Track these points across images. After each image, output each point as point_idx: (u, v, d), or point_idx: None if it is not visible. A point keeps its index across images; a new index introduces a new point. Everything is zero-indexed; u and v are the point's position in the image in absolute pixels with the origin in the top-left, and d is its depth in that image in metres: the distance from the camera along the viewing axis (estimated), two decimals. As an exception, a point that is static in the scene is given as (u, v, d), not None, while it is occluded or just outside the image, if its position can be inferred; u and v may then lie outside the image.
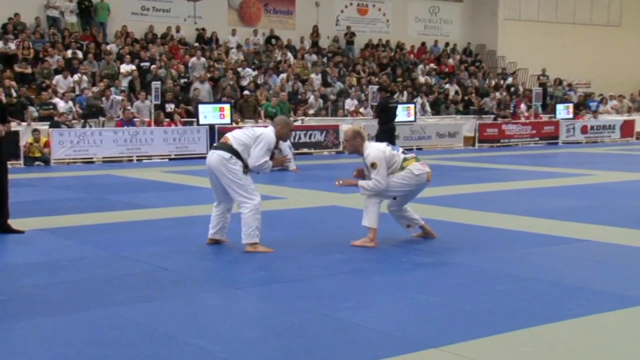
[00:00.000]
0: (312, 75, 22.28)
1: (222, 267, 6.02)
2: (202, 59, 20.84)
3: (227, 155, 6.38)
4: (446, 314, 4.53)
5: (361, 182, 6.61)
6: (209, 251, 6.56)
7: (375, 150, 6.57)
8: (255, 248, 6.39)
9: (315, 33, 24.87)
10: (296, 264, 6.02)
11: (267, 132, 6.51)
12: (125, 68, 19.37)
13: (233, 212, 6.79)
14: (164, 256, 6.28)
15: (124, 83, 19.02)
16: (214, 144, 6.83)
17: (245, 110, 19.03)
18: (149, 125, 17.47)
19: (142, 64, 19.53)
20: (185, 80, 19.99)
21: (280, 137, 6.60)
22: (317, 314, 4.54)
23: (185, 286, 5.29)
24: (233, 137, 6.49)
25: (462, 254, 6.37)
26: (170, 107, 18.18)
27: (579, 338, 4.14)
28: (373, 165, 6.52)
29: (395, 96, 22.44)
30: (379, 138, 14.56)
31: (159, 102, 17.73)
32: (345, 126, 19.62)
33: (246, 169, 6.43)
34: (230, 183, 6.42)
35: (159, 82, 17.88)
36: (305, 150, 18.33)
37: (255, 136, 6.45)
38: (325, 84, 22.22)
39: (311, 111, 20.34)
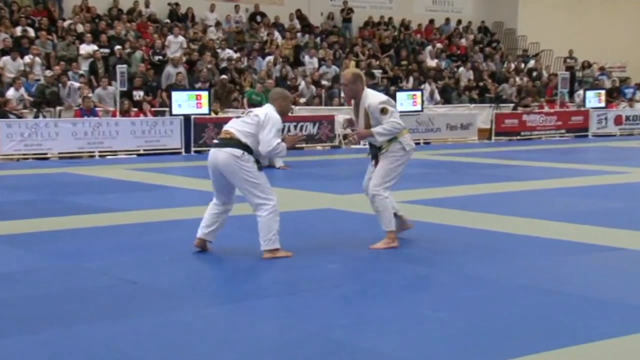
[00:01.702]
0: (305, 58, 22.30)
1: (200, 280, 6.04)
2: (180, 38, 20.85)
3: (238, 152, 6.37)
4: (459, 334, 4.56)
5: (376, 129, 6.73)
6: (185, 261, 6.57)
7: (377, 97, 6.83)
8: (275, 254, 6.48)
9: (300, 13, 24.88)
10: (284, 276, 6.03)
11: (269, 112, 6.50)
12: (85, 49, 19.32)
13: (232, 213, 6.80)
14: (133, 267, 6.29)
15: (84, 66, 18.98)
16: (216, 140, 6.72)
17: (222, 97, 19.02)
18: (114, 115, 17.45)
19: (102, 50, 19.34)
20: (161, 57, 19.91)
21: (283, 112, 6.61)
22: (309, 333, 4.56)
23: (157, 302, 5.31)
24: (237, 130, 6.48)
25: (477, 263, 6.40)
26: (139, 94, 18.16)
27: (612, 360, 4.19)
28: (383, 110, 6.72)
29: (402, 83, 22.51)
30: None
31: (125, 89, 17.70)
32: (342, 117, 19.72)
33: (259, 164, 6.48)
34: (245, 183, 6.44)
35: (124, 66, 17.85)
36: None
37: (259, 121, 6.44)
38: (297, 62, 22.18)
39: (302, 100, 20.36)
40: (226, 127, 6.62)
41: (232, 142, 6.42)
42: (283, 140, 6.51)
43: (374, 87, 16.49)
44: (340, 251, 6.90)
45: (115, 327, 4.70)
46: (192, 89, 18.51)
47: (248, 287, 5.70)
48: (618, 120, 23.65)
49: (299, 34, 23.88)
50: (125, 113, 17.42)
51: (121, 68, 17.57)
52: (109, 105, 17.79)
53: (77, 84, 17.78)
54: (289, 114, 7.45)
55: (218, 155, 6.46)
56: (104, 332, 4.60)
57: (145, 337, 4.53)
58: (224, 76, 19.60)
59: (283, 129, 18.63)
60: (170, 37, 20.73)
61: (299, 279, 5.92)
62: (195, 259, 6.65)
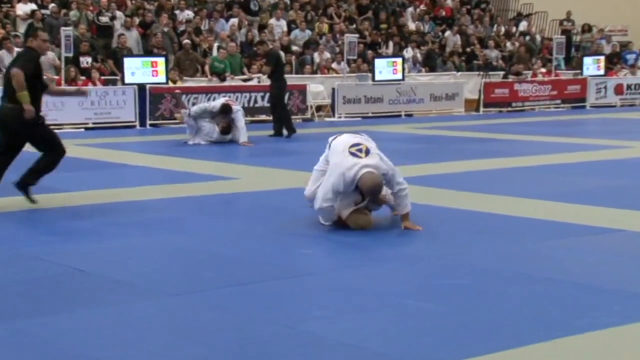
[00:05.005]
0: (272, 21, 22.19)
1: (157, 268, 6.00)
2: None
3: None
4: (445, 326, 4.57)
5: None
6: (140, 247, 6.53)
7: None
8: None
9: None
10: (252, 262, 6.02)
11: (346, 173, 6.80)
12: (22, 9, 19.03)
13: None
14: (80, 254, 6.23)
15: (21, 29, 18.68)
16: None
17: (185, 65, 18.89)
18: (58, 84, 17.23)
19: (42, 12, 19.03)
20: (108, 18, 19.62)
21: (362, 189, 6.82)
22: (280, 325, 4.55)
23: (108, 293, 5.27)
24: None
25: (463, 248, 6.43)
26: (86, 61, 17.95)
27: (612, 353, 4.21)
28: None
29: (381, 49, 22.48)
30: (276, 97, 15.22)
31: (71, 55, 17.49)
32: (315, 86, 19.67)
33: None
34: None
35: (70, 29, 17.62)
36: (262, 117, 18.30)
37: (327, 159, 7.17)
38: (248, 10, 22.01)
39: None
40: None
41: None
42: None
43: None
44: (314, 235, 6.89)
45: (60, 322, 4.66)
46: (147, 54, 18.34)
47: (211, 275, 5.67)
48: (619, 90, 23.82)
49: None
50: (71, 82, 17.22)
51: (66, 31, 17.34)
52: (49, 73, 17.54)
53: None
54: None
55: None
56: (46, 327, 4.55)
57: (93, 332, 4.49)
58: (187, 41, 19.43)
59: (248, 101, 18.52)
60: None
61: (268, 266, 5.90)
62: (151, 245, 6.61)
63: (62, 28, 17.53)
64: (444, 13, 26.33)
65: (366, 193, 6.80)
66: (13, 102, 7.90)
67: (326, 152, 7.20)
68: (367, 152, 6.82)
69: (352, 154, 6.79)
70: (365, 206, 7.00)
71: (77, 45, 17.84)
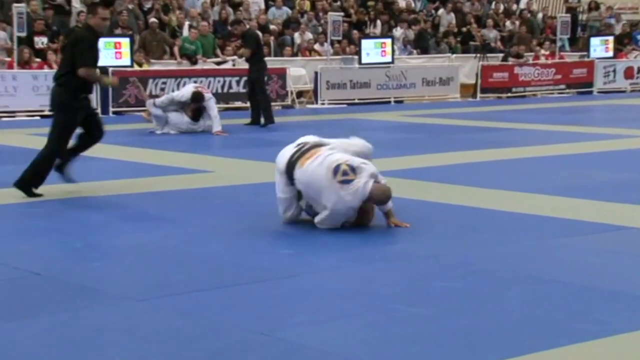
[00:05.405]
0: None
1: (122, 270, 5.99)
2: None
3: None
4: (436, 332, 4.59)
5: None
6: (102, 248, 6.52)
7: None
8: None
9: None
10: (226, 264, 6.02)
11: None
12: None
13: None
14: (36, 256, 6.22)
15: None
16: None
17: (151, 47, 18.83)
18: (10, 67, 17.15)
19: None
20: None
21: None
22: (255, 333, 4.56)
23: (67, 297, 5.25)
24: None
25: (458, 247, 6.45)
26: (41, 41, 17.86)
27: (619, 361, 4.26)
28: None
29: (368, 29, 22.47)
30: (256, 81, 15.08)
31: (24, 34, 17.40)
32: (295, 70, 19.65)
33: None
34: None
35: (22, 5, 17.53)
36: (238, 104, 18.28)
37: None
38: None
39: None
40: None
41: None
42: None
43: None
44: (294, 234, 6.90)
45: (13, 330, 4.64)
46: (110, 35, 18.25)
47: (181, 278, 5.67)
48: (628, 73, 23.91)
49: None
50: (25, 64, 17.15)
51: (19, 8, 17.25)
52: (1, 54, 17.49)
53: None
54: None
55: None
56: (-1, 336, 4.55)
57: (50, 340, 4.48)
58: (154, 19, 19.37)
59: (221, 87, 18.34)
60: None
61: (244, 268, 5.90)
62: (115, 245, 6.61)
63: (14, 5, 17.44)
64: (437, -11, 26.39)
65: (375, 203, 6.94)
66: (59, 84, 8.55)
67: (282, 179, 6.99)
68: (352, 168, 6.74)
69: (344, 182, 6.70)
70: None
71: (31, 23, 17.74)
